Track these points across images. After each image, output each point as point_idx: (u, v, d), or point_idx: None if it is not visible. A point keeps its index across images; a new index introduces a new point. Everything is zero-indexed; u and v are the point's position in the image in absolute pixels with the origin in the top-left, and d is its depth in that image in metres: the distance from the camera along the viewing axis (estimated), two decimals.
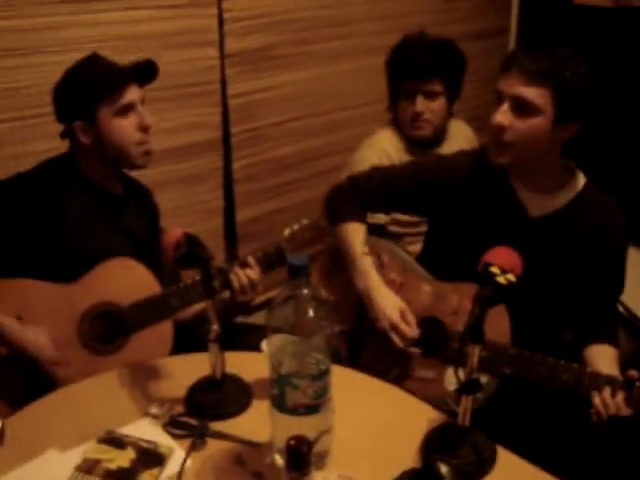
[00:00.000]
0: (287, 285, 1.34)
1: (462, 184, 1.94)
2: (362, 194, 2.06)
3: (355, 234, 2.04)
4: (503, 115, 1.74)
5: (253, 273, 1.96)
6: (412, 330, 1.88)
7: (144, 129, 1.95)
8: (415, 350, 1.89)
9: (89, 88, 1.90)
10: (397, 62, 2.56)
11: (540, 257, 1.79)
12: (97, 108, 1.90)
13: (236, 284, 1.94)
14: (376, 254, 2.05)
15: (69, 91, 1.93)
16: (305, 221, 2.02)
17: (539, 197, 1.85)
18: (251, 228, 3.28)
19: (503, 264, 1.41)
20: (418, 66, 2.47)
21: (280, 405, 1.36)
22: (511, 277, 1.40)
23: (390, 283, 1.99)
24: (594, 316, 1.91)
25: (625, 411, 1.60)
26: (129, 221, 2.07)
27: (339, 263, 2.07)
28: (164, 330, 1.93)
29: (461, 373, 1.41)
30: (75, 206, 1.93)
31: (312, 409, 1.36)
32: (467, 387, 1.41)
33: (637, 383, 1.60)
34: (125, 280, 1.92)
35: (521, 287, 1.42)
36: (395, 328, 1.88)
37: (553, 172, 1.84)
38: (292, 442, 1.19)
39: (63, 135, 1.98)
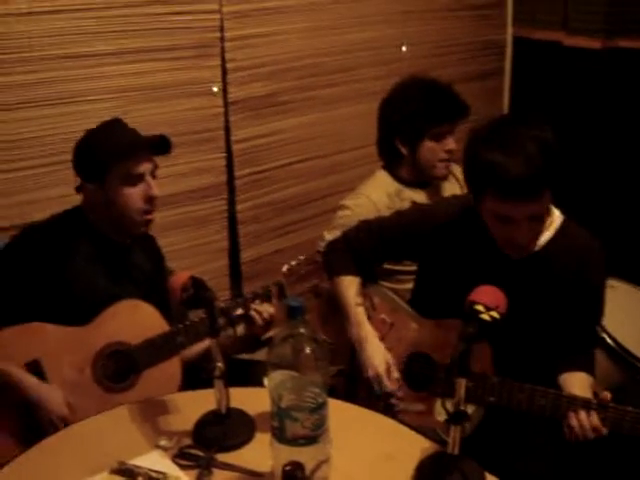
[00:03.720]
0: (286, 325, 1.44)
1: (444, 231, 2.00)
2: (353, 248, 2.15)
3: (348, 287, 2.13)
4: (527, 234, 1.79)
5: (272, 308, 2.04)
6: (393, 386, 1.97)
7: (149, 200, 2.01)
8: (394, 402, 1.97)
9: (104, 151, 1.97)
10: (433, 106, 2.49)
11: (524, 296, 1.81)
12: (108, 171, 1.97)
13: (258, 319, 2.02)
14: (368, 297, 2.15)
15: (85, 152, 2.01)
16: (302, 257, 2.11)
17: None
18: (255, 267, 3.36)
19: (487, 302, 1.48)
20: (459, 107, 2.50)
21: (280, 436, 1.44)
22: (495, 314, 1.47)
23: (381, 323, 2.10)
24: (573, 345, 1.94)
25: (601, 431, 1.65)
26: (135, 267, 2.14)
27: (336, 307, 2.15)
28: (173, 368, 1.99)
29: (449, 404, 1.48)
30: (83, 256, 2.00)
31: (310, 440, 1.43)
32: (455, 417, 1.48)
33: (611, 404, 1.65)
34: (134, 320, 1.99)
35: (505, 324, 1.49)
36: (379, 380, 1.98)
37: None
38: (287, 467, 1.29)
39: (78, 189, 2.05)
